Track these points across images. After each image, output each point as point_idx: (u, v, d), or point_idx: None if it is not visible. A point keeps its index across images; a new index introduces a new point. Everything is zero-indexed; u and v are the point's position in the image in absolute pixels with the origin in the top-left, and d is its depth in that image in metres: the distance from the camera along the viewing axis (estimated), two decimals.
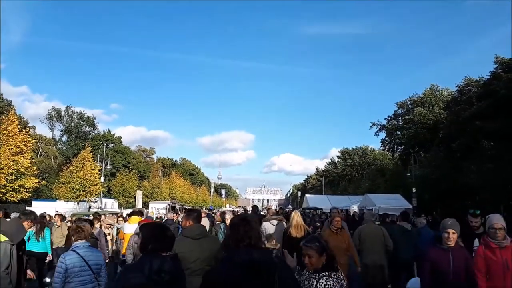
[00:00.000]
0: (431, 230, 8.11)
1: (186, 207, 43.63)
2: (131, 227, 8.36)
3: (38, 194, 40.53)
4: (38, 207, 26.76)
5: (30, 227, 5.21)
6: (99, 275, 4.07)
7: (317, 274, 3.01)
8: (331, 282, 2.95)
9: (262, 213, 20.30)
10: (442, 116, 41.56)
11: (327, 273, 3.00)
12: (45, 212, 15.37)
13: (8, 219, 6.39)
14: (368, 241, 6.95)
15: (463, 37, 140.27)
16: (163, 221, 11.25)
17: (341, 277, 3.04)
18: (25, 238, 5.32)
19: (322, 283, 2.96)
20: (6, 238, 4.23)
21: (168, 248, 2.78)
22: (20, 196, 30.65)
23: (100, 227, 9.64)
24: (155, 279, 2.48)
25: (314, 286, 2.99)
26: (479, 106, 29.19)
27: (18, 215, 5.54)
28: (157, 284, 2.48)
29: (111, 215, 16.39)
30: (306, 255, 3.03)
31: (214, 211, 26.41)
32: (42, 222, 9.36)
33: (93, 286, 3.79)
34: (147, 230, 2.84)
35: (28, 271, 5.64)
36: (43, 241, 9.02)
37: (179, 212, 19.30)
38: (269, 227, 7.29)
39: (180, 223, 10.23)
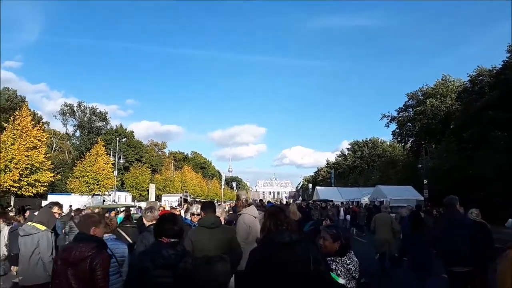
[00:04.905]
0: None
1: (198, 200, 44.06)
2: None
3: (54, 188, 41.33)
4: (54, 200, 27.21)
5: (59, 215, 5.37)
6: (122, 266, 4.29)
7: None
8: (334, 266, 3.15)
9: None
10: (454, 107, 41.00)
11: (333, 257, 3.18)
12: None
13: (36, 212, 6.44)
14: (380, 224, 10.15)
15: (475, 26, 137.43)
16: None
17: (348, 261, 3.19)
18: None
19: None
20: (45, 227, 4.56)
21: (174, 235, 3.04)
22: (35, 190, 31.17)
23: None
24: (159, 263, 2.85)
25: None
26: (491, 96, 28.79)
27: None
28: (160, 267, 2.85)
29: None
30: (322, 238, 3.29)
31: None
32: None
33: (117, 277, 4.00)
34: (157, 221, 3.23)
35: None
36: None
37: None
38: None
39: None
